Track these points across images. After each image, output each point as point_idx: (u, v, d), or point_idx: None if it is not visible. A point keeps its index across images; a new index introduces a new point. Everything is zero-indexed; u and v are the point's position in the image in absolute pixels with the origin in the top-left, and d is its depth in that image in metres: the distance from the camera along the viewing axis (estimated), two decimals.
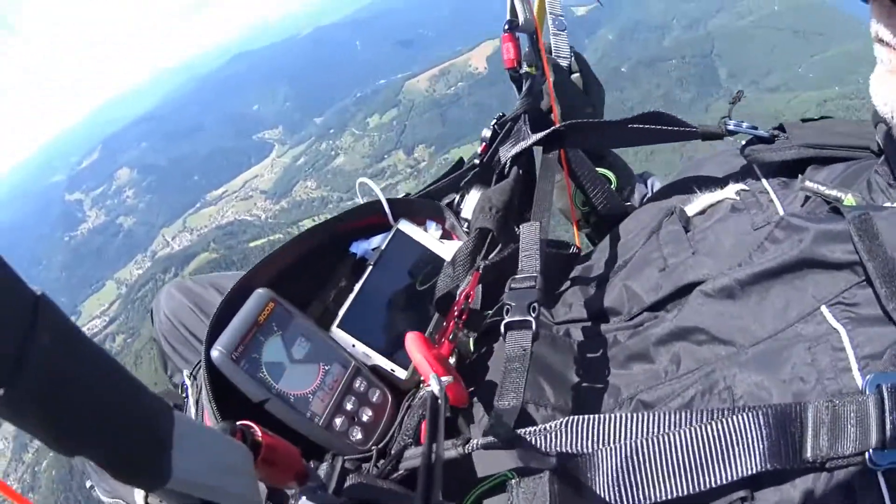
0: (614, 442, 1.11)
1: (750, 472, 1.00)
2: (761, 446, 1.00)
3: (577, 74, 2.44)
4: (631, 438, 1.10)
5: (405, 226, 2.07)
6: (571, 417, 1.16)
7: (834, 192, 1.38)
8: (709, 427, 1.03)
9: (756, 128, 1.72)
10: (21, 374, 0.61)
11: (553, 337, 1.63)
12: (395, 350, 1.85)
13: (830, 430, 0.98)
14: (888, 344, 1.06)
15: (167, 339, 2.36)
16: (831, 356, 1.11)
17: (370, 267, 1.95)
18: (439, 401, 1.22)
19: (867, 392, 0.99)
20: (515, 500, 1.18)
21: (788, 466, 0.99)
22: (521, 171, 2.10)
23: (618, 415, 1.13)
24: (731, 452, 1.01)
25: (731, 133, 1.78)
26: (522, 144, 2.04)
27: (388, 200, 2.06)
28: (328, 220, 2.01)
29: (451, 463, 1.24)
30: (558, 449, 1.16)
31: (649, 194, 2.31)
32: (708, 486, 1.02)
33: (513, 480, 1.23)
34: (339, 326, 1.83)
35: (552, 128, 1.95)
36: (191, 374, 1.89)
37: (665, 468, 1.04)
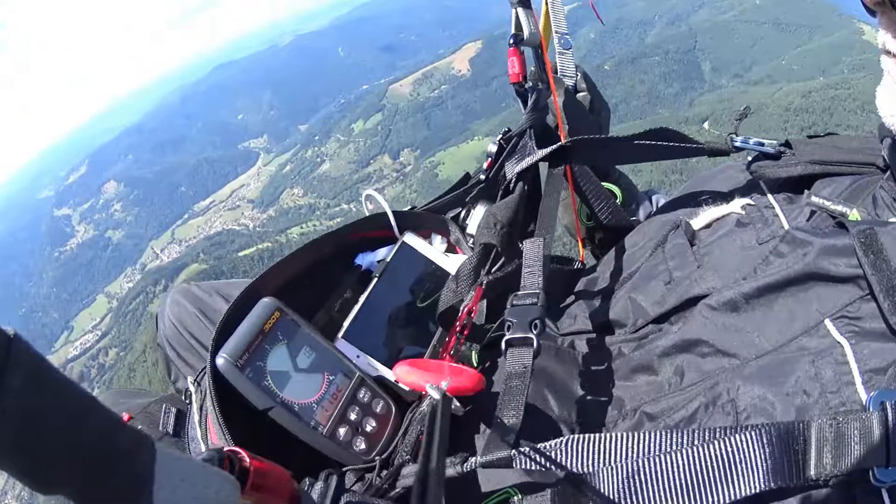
0: (616, 461, 1.10)
1: (753, 492, 0.99)
2: (764, 465, 0.99)
3: (584, 93, 2.44)
4: (632, 458, 1.09)
5: (411, 238, 2.09)
6: (572, 436, 1.16)
7: (839, 208, 1.40)
8: (711, 446, 1.03)
9: (763, 144, 1.75)
10: None
11: (557, 349, 1.65)
12: (399, 361, 1.85)
13: (834, 448, 0.96)
14: (892, 359, 1.06)
15: (172, 344, 2.36)
16: (835, 370, 1.11)
17: (376, 279, 1.97)
18: (438, 414, 1.21)
19: (871, 409, 0.99)
20: None
21: (792, 485, 0.99)
22: (525, 187, 2.10)
23: (619, 434, 1.13)
24: (733, 472, 1.00)
25: (738, 149, 1.81)
26: (528, 160, 2.06)
27: (394, 213, 2.07)
28: (334, 231, 2.01)
29: (455, 480, 1.24)
30: (559, 467, 1.16)
31: (654, 211, 2.33)
32: None
33: (515, 497, 1.25)
34: (343, 337, 1.84)
35: (558, 144, 1.97)
36: (195, 380, 1.89)
37: (666, 488, 1.04)
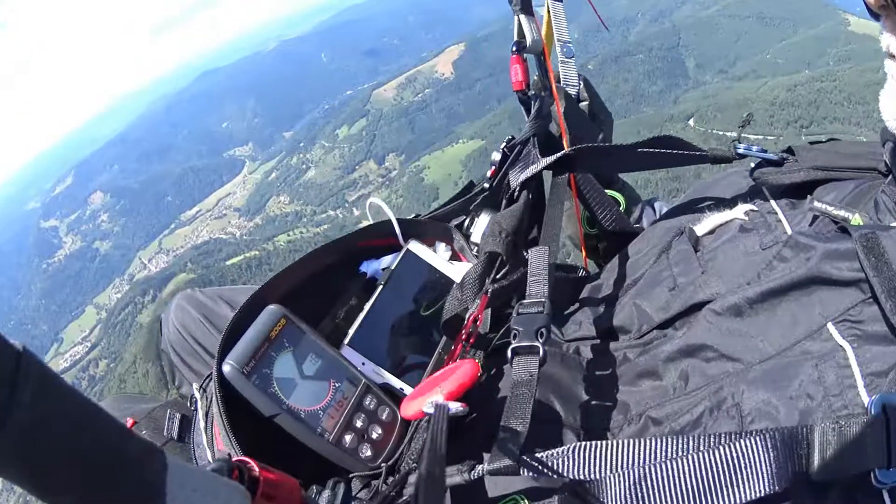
0: (622, 468, 1.12)
1: (757, 496, 1.00)
2: (769, 469, 1.00)
3: (586, 102, 2.47)
4: (639, 464, 1.10)
5: (415, 246, 2.11)
6: (578, 444, 1.18)
7: (841, 212, 1.43)
8: (716, 452, 1.04)
9: (766, 151, 1.78)
10: (2, 432, 0.60)
11: (563, 355, 1.68)
12: (404, 369, 1.89)
13: (836, 451, 0.98)
14: (893, 363, 1.09)
15: (176, 350, 2.39)
16: (837, 373, 1.14)
17: (381, 286, 1.99)
18: (442, 430, 1.22)
19: (872, 411, 1.01)
20: None
21: (795, 488, 1.02)
22: (530, 196, 2.13)
23: (626, 441, 1.15)
24: (738, 477, 1.01)
25: (741, 156, 1.83)
26: (532, 169, 2.07)
27: (399, 221, 2.10)
28: (338, 238, 2.04)
29: (461, 486, 1.27)
30: (566, 475, 1.16)
31: (657, 218, 2.36)
32: None
33: (523, 503, 1.27)
34: (349, 344, 1.86)
35: (562, 152, 1.98)
36: (201, 386, 1.90)
37: (673, 494, 1.05)
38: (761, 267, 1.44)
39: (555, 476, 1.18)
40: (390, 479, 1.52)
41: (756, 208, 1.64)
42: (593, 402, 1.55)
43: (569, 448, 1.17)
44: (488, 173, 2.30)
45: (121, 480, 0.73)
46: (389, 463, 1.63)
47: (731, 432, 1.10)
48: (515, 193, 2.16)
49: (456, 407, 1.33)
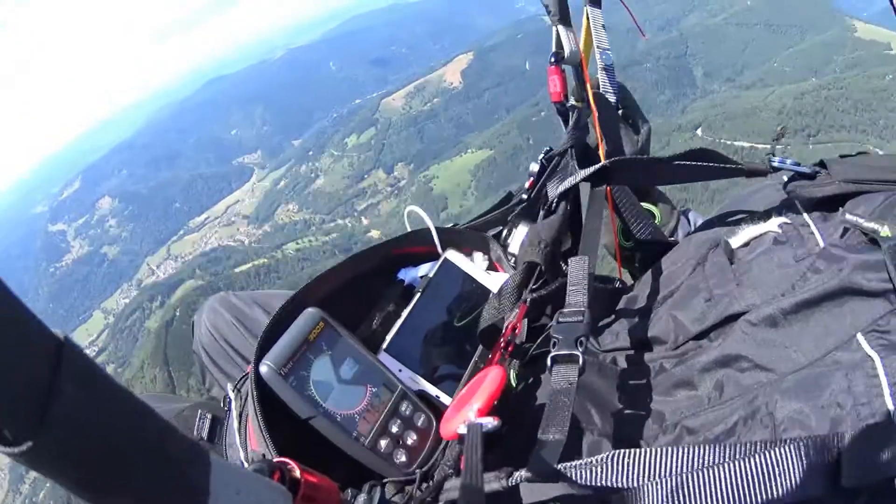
0: (660, 476, 1.12)
1: (790, 503, 1.03)
2: (801, 477, 1.02)
3: (624, 111, 2.49)
4: (676, 472, 1.11)
5: (453, 255, 2.15)
6: (616, 451, 1.19)
7: (872, 224, 1.45)
8: (752, 460, 1.05)
9: (799, 164, 1.81)
10: (45, 427, 0.58)
11: (600, 364, 1.71)
12: (440, 377, 1.93)
13: (865, 458, 1.01)
14: None
15: (207, 351, 2.44)
16: (866, 383, 1.16)
17: (418, 294, 2.03)
18: (477, 448, 1.23)
19: None
20: None
21: (825, 494, 1.03)
22: (568, 207, 2.16)
23: (663, 449, 1.15)
24: (774, 484, 1.03)
25: (776, 170, 1.87)
26: (570, 181, 2.10)
27: (437, 229, 2.14)
28: (376, 245, 2.07)
29: (496, 493, 1.28)
30: (603, 483, 1.16)
31: (691, 230, 2.40)
32: None
33: None
34: (386, 350, 1.90)
35: (599, 164, 2.01)
36: (235, 387, 1.91)
37: (709, 502, 1.06)
38: (795, 279, 1.46)
39: (593, 484, 1.18)
40: (424, 485, 1.54)
41: (789, 221, 1.67)
42: (629, 412, 1.57)
43: (606, 456, 1.18)
44: (526, 184, 2.34)
45: (165, 478, 0.72)
46: (424, 469, 1.65)
47: (764, 441, 1.11)
48: (553, 205, 2.19)
49: (489, 423, 1.33)
